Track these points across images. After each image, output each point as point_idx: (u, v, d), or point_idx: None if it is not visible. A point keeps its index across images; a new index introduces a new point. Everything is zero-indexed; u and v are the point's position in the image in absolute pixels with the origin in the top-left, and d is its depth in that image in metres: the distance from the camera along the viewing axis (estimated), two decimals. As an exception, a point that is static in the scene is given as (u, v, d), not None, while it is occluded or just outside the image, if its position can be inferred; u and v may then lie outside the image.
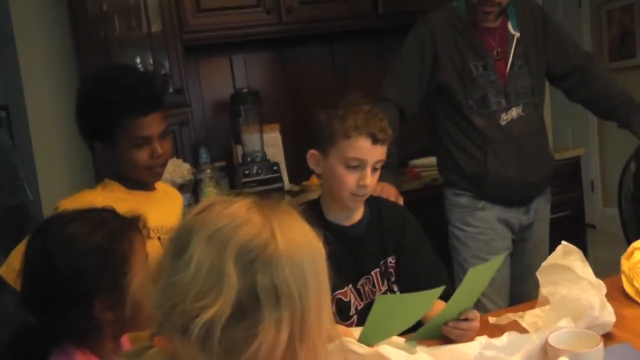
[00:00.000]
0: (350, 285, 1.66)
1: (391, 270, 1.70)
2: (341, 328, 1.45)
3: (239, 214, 0.83)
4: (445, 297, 1.45)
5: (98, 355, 1.14)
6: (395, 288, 1.69)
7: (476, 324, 1.41)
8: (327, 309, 0.87)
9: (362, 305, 1.66)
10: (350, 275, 1.66)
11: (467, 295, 1.42)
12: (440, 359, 1.07)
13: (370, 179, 1.60)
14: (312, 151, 1.68)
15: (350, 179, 1.59)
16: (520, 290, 2.42)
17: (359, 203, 1.69)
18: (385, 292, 1.67)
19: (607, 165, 5.18)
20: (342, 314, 1.63)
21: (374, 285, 1.68)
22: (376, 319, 1.30)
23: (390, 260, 1.71)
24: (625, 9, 4.81)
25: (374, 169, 1.62)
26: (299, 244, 0.84)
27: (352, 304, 1.65)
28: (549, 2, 4.75)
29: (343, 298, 1.64)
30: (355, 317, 1.64)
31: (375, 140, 1.58)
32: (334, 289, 1.56)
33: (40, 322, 1.13)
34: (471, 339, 1.30)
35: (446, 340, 1.41)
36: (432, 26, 2.31)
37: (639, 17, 4.69)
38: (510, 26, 2.32)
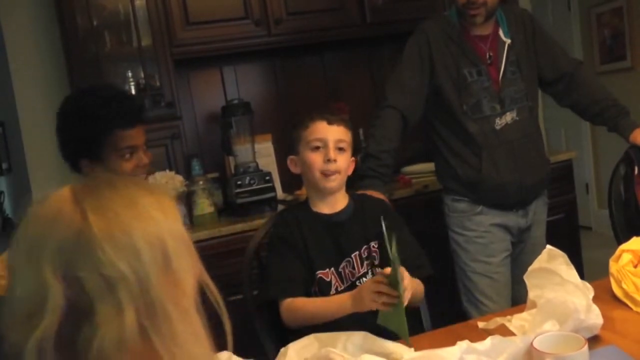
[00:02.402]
0: (332, 268, 1.79)
1: (374, 254, 1.84)
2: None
3: (50, 210, 0.74)
4: (429, 280, 1.78)
5: None
6: (377, 271, 1.78)
7: (407, 281, 1.45)
8: (188, 278, 0.77)
9: (342, 287, 1.78)
10: (332, 259, 1.80)
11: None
12: (420, 366, 1.07)
13: (335, 155, 1.78)
14: (290, 157, 1.90)
15: (317, 158, 1.79)
16: (518, 290, 2.44)
17: (332, 182, 1.81)
18: (364, 275, 1.81)
19: (601, 168, 5.19)
20: (324, 292, 1.77)
21: (353, 268, 1.81)
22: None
23: (373, 244, 1.85)
24: (615, 12, 4.83)
25: (339, 149, 1.80)
26: (121, 215, 0.73)
27: (332, 285, 1.77)
28: (538, 6, 4.78)
29: (324, 278, 1.78)
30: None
31: (329, 122, 1.80)
32: (315, 268, 1.76)
33: None
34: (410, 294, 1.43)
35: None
36: (427, 34, 2.36)
37: (628, 20, 4.71)
38: (501, 33, 2.36)
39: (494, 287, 2.33)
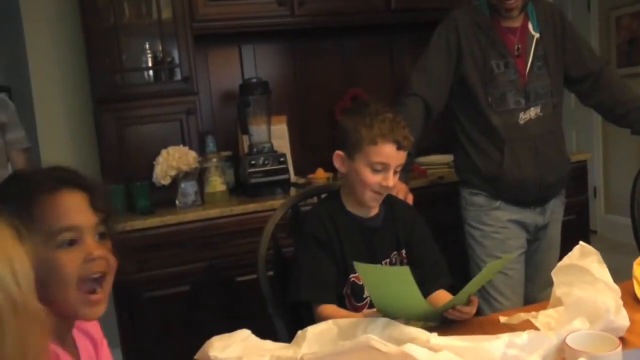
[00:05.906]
0: None
1: (405, 261, 1.83)
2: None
3: None
4: (450, 289, 1.74)
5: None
6: None
7: (475, 308, 1.56)
8: None
9: None
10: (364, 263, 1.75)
11: (476, 285, 1.49)
12: (465, 358, 1.04)
13: (392, 181, 1.74)
14: (339, 152, 1.79)
15: (375, 180, 1.72)
16: (530, 289, 2.43)
17: (379, 202, 1.81)
18: None
19: (610, 172, 5.17)
20: (357, 295, 1.76)
21: None
22: (372, 286, 1.46)
23: (403, 252, 1.85)
24: (635, 16, 4.79)
25: (395, 172, 1.75)
26: None
27: (365, 288, 1.75)
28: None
29: (357, 281, 1.76)
30: (368, 299, 1.76)
31: (399, 147, 1.71)
32: (349, 272, 1.75)
33: None
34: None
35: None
36: (457, 23, 2.32)
37: (648, 24, 4.68)
38: (531, 27, 2.32)
39: (509, 285, 2.31)
